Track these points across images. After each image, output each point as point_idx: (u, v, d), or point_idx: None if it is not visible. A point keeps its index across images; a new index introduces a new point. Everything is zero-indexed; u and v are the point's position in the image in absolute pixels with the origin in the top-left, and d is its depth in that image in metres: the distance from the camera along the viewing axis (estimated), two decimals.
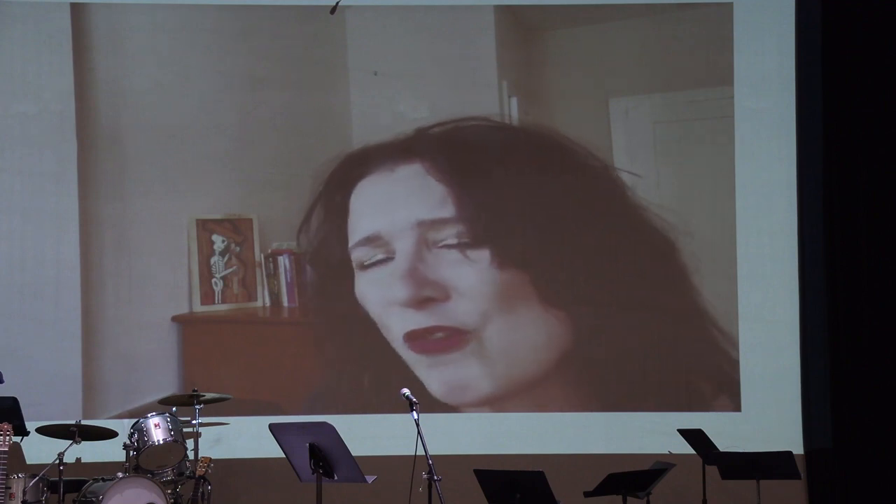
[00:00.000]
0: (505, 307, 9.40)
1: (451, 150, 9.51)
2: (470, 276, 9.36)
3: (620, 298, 9.56)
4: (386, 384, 9.22)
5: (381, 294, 9.39)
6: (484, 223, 9.42)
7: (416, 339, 9.32)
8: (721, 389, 9.50)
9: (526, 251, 9.50)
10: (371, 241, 9.41)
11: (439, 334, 9.31)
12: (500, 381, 9.41)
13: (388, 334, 9.40)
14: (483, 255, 9.39)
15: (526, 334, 9.40)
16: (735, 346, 9.52)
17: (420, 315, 9.32)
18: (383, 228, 9.42)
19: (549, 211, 9.57)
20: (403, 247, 9.36)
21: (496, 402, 9.43)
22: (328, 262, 9.50)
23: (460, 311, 9.34)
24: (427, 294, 9.25)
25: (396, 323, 9.38)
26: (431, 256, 9.34)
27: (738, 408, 9.48)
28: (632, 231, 9.59)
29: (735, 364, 9.51)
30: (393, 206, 9.45)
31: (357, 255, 9.47)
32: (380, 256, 9.34)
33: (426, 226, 9.35)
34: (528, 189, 9.54)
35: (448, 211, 9.40)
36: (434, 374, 9.32)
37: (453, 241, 9.32)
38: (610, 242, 9.60)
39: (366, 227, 9.44)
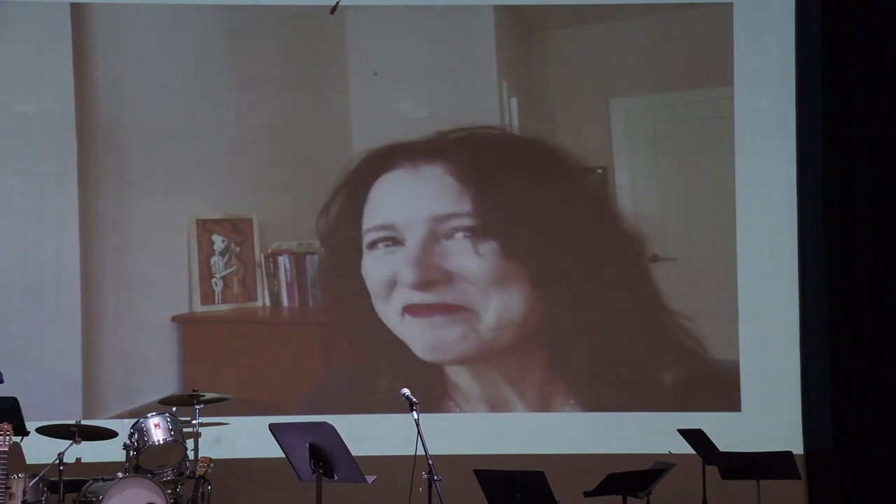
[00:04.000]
0: (502, 290, 9.56)
1: (470, 153, 9.63)
2: (474, 266, 9.54)
3: (622, 298, 9.57)
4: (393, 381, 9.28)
5: (385, 272, 9.52)
6: (494, 219, 9.57)
7: (416, 309, 9.53)
8: (721, 389, 9.50)
9: (529, 247, 9.58)
10: (385, 227, 9.57)
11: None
12: (482, 344, 9.54)
13: (384, 307, 9.50)
14: (490, 248, 9.54)
15: (515, 310, 9.56)
16: (735, 345, 9.52)
17: (422, 294, 9.53)
18: (399, 219, 9.56)
19: (553, 214, 9.65)
20: (414, 236, 9.51)
21: (474, 362, 9.54)
22: (340, 244, 9.59)
23: (461, 291, 9.51)
24: (432, 277, 9.50)
25: (398, 298, 9.51)
26: (440, 247, 9.52)
27: (738, 408, 9.48)
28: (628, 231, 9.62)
29: (735, 364, 9.51)
30: (412, 199, 9.59)
31: (369, 237, 9.58)
32: (387, 238, 9.55)
33: (439, 219, 9.53)
34: (536, 193, 9.65)
35: (463, 206, 9.56)
36: (425, 336, 9.50)
37: (464, 233, 9.55)
38: (611, 242, 9.62)
39: (384, 215, 9.58)
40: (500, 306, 9.53)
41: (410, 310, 9.52)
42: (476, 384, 9.56)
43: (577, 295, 9.59)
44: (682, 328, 9.54)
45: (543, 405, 9.52)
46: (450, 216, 9.57)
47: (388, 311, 9.53)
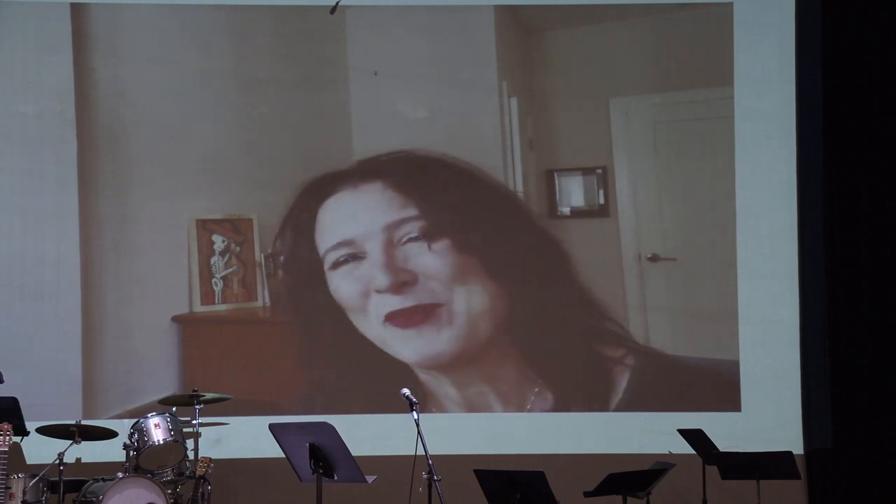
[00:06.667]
0: (464, 283, 9.59)
1: (403, 170, 9.66)
2: (434, 263, 9.56)
3: (620, 298, 9.58)
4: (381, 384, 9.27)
5: (356, 286, 9.52)
6: (440, 219, 9.60)
7: (397, 317, 9.51)
8: (721, 389, 9.50)
9: (479, 242, 9.65)
10: (344, 244, 9.56)
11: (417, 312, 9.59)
12: (463, 344, 9.55)
13: (362, 320, 9.50)
14: (442, 246, 9.57)
15: (478, 301, 9.60)
16: (735, 345, 9.52)
17: (397, 298, 9.52)
18: (356, 234, 9.55)
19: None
20: (374, 246, 9.52)
21: (466, 363, 9.54)
22: (300, 267, 9.61)
23: (431, 289, 9.54)
24: (403, 279, 9.52)
25: (375, 308, 9.50)
26: (399, 252, 9.52)
27: (738, 408, 9.48)
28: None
29: (735, 364, 9.51)
30: (361, 215, 9.60)
31: (330, 257, 9.56)
32: (348, 256, 9.56)
33: (392, 227, 9.55)
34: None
35: (409, 212, 9.59)
36: (411, 346, 9.50)
37: (415, 234, 9.57)
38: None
39: (339, 234, 9.58)
40: (465, 298, 9.54)
41: (392, 318, 9.51)
42: (455, 389, 9.55)
43: (547, 292, 9.62)
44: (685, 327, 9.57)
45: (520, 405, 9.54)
46: (400, 222, 9.57)
47: (368, 324, 9.53)
